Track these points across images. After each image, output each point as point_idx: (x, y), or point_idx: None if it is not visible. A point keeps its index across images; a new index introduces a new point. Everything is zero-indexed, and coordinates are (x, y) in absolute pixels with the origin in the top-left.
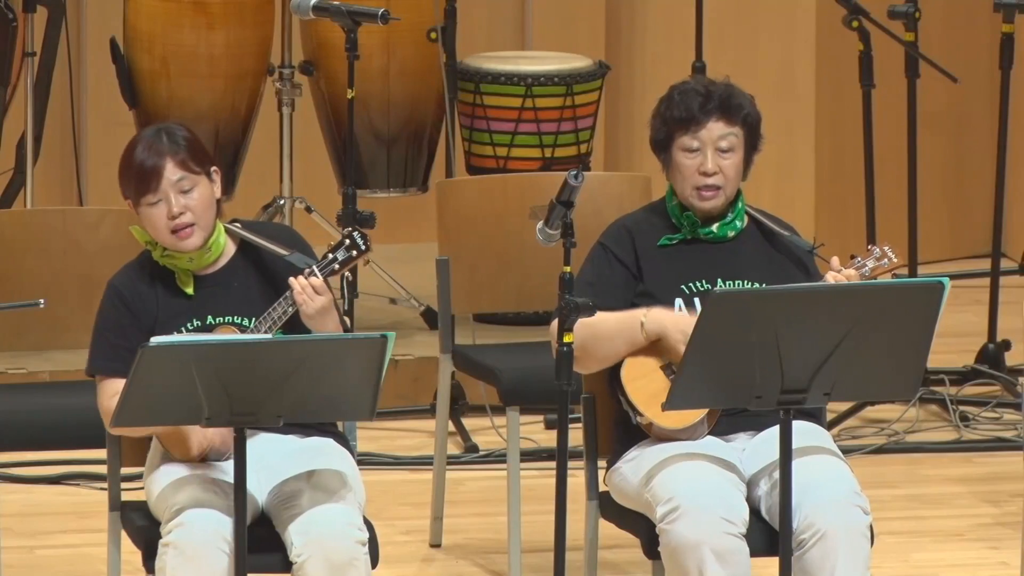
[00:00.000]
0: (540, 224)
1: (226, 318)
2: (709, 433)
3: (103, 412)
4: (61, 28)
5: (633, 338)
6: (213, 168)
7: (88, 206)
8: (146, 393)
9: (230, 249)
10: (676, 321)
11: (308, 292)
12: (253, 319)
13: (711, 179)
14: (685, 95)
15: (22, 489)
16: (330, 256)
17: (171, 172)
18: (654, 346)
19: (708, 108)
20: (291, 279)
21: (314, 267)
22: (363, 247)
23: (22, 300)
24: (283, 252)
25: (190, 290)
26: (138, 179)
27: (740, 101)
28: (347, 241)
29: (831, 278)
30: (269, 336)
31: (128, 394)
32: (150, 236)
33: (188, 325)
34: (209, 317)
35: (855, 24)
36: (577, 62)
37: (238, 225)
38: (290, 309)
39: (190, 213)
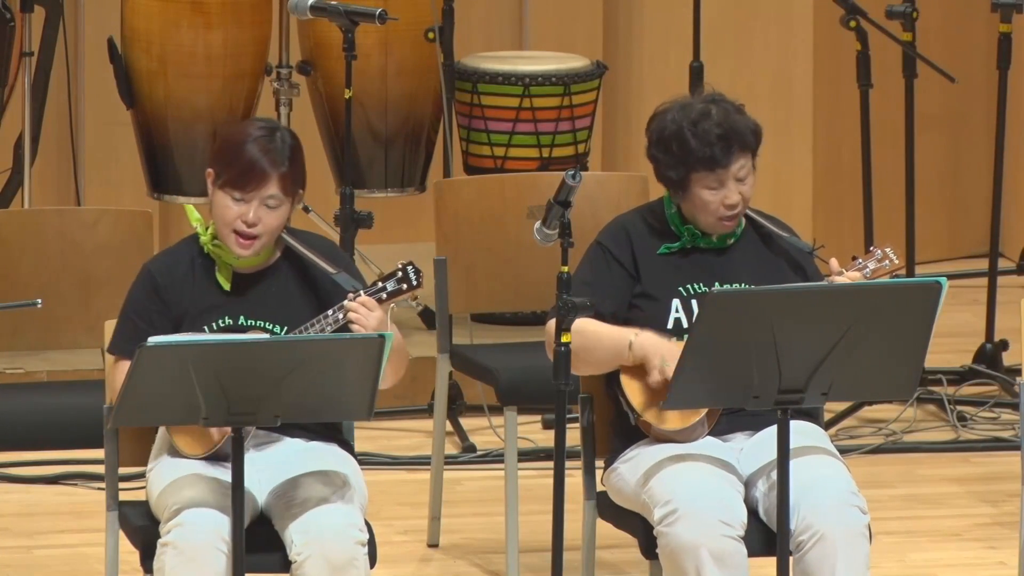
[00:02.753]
0: (538, 224)
1: (259, 322)
2: (708, 433)
3: (112, 389)
4: (59, 28)
5: (619, 356)
6: (301, 191)
7: (85, 206)
8: (144, 393)
9: (275, 254)
10: (657, 347)
11: (363, 312)
12: (285, 327)
13: (736, 209)
14: (703, 137)
15: (20, 489)
16: (379, 284)
17: (271, 186)
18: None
19: (731, 151)
20: (347, 302)
21: (361, 291)
22: (415, 283)
23: (19, 300)
24: (331, 270)
25: (227, 286)
26: (240, 173)
27: (750, 126)
28: (400, 273)
29: (834, 280)
30: (266, 336)
31: (126, 393)
32: (204, 218)
33: (220, 321)
34: (242, 317)
35: (853, 24)
36: (575, 62)
37: (286, 232)
38: (328, 328)
39: (261, 227)
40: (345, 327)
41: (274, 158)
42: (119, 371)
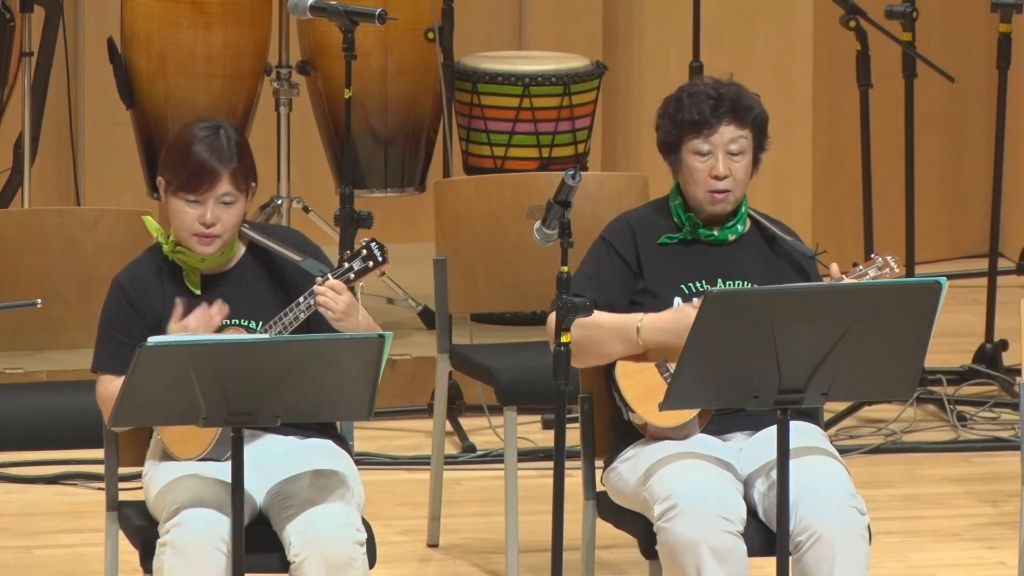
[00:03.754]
0: (537, 224)
1: (233, 320)
2: (707, 432)
3: (103, 405)
4: (58, 28)
5: (629, 343)
6: (253, 184)
7: (85, 206)
8: (143, 393)
9: (239, 250)
10: (671, 328)
11: (330, 295)
12: (261, 322)
13: (723, 183)
14: (695, 98)
15: (19, 489)
16: (346, 265)
17: (223, 184)
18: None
19: (720, 112)
20: (316, 287)
21: (328, 275)
22: (380, 258)
23: (19, 300)
24: (296, 258)
25: (198, 290)
26: (190, 176)
27: (750, 103)
28: (364, 251)
29: None
30: (267, 336)
31: (125, 394)
32: (163, 229)
33: None
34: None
35: (852, 24)
36: (574, 62)
37: (248, 227)
38: (301, 315)
39: (220, 226)
40: (316, 312)
41: (222, 156)
42: (106, 386)
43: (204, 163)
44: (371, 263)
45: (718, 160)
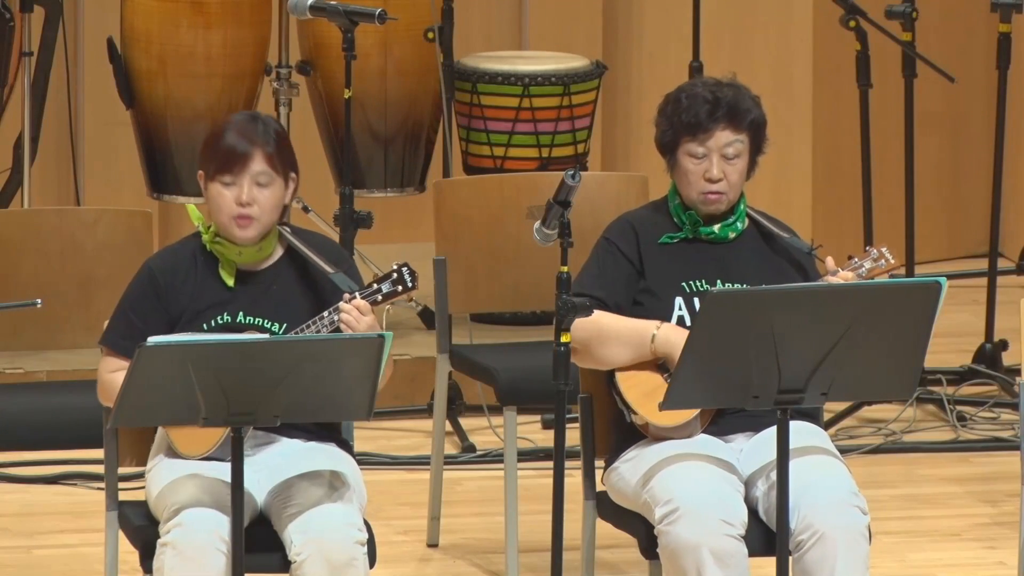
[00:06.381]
0: (537, 224)
1: (257, 320)
2: (708, 433)
3: (101, 383)
4: (58, 28)
5: (641, 350)
6: (293, 174)
7: (85, 206)
8: (143, 393)
9: (277, 252)
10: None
11: (355, 314)
12: (284, 325)
13: (716, 185)
14: (693, 100)
15: (19, 489)
16: (375, 286)
17: (257, 163)
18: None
19: (716, 116)
20: (342, 303)
21: (356, 294)
22: (410, 284)
23: (19, 300)
24: (329, 270)
25: (231, 282)
26: (224, 158)
27: (748, 106)
28: (395, 275)
29: (829, 279)
30: (266, 336)
31: (125, 393)
32: (205, 218)
33: (218, 319)
34: (241, 314)
35: (852, 24)
36: (574, 62)
37: (288, 230)
38: (323, 330)
39: (257, 207)
40: (339, 329)
41: (254, 138)
42: (109, 364)
43: (235, 144)
44: (400, 287)
45: (712, 163)
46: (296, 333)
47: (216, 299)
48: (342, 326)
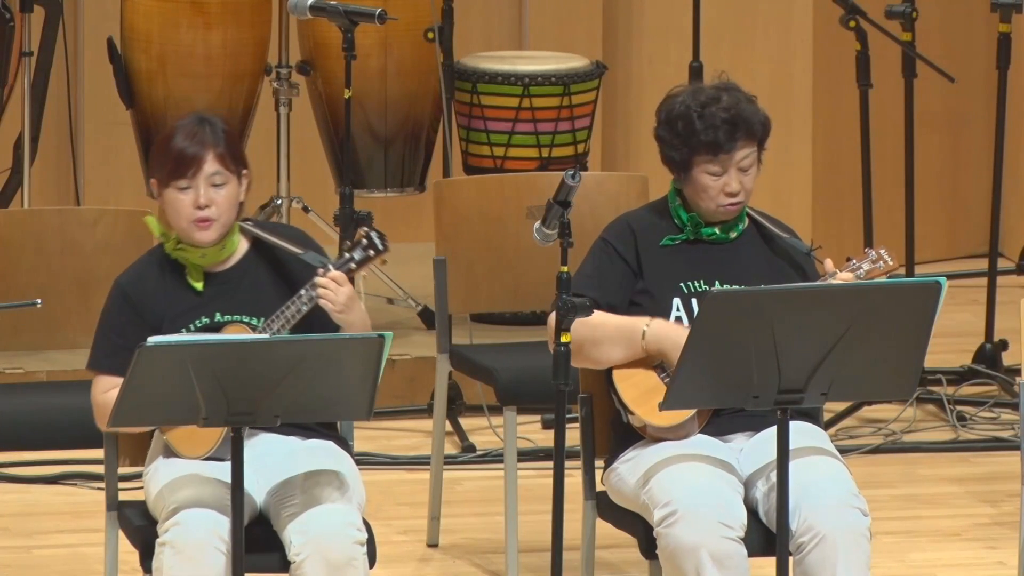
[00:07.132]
0: (537, 224)
1: (235, 316)
2: (707, 433)
3: (95, 405)
4: (58, 28)
5: (632, 347)
6: (245, 170)
7: (85, 206)
8: (143, 393)
9: (242, 247)
10: (677, 341)
11: (332, 286)
12: (263, 318)
13: (734, 197)
14: (709, 120)
15: (19, 489)
16: (346, 255)
17: (209, 164)
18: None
19: (736, 137)
20: (316, 278)
21: (329, 265)
22: (380, 247)
23: (19, 300)
24: (297, 251)
25: (199, 286)
26: (175, 163)
27: (759, 118)
28: (364, 240)
29: (827, 281)
30: (266, 336)
31: (125, 394)
32: (165, 227)
33: (196, 322)
34: (217, 314)
35: (852, 24)
36: (574, 62)
37: (250, 223)
38: (303, 308)
39: (215, 208)
40: (317, 306)
41: (203, 139)
42: (101, 385)
43: (185, 147)
44: (371, 252)
45: (732, 178)
46: (275, 317)
47: (189, 304)
48: (321, 301)
